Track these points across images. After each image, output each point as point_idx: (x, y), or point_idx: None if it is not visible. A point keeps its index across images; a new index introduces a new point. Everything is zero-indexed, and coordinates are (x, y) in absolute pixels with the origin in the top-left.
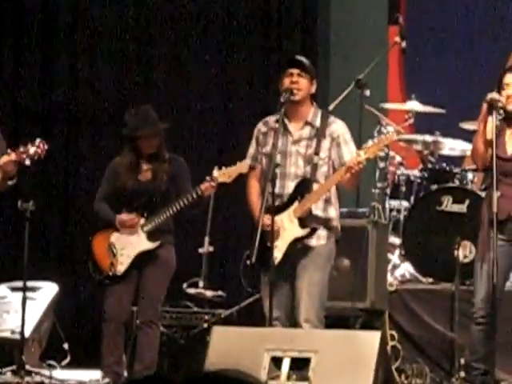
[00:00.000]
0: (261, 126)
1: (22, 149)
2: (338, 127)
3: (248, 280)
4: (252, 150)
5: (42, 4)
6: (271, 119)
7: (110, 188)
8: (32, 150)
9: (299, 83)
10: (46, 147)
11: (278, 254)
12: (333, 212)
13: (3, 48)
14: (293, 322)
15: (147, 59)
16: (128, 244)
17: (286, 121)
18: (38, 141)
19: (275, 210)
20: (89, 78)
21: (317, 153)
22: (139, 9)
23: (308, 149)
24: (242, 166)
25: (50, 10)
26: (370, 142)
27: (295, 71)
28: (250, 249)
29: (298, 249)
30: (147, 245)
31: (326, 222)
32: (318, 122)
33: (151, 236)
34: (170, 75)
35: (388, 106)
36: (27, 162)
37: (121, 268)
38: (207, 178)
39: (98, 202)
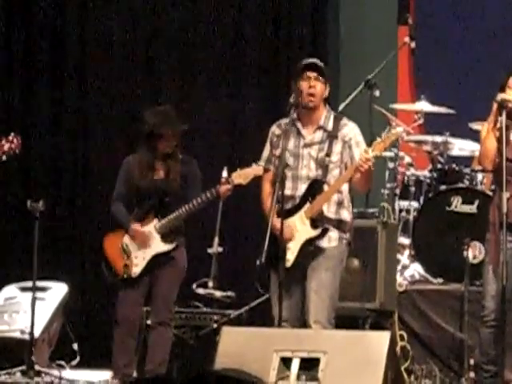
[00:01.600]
0: (274, 129)
1: None
2: (349, 130)
3: (259, 280)
4: (266, 152)
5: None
6: (284, 121)
7: (125, 187)
8: (7, 145)
9: (316, 87)
10: (20, 142)
11: (290, 256)
12: (345, 214)
13: (14, 45)
14: (302, 323)
15: (156, 69)
16: (142, 245)
17: (299, 124)
18: (11, 135)
19: (287, 213)
20: (99, 87)
21: (328, 156)
22: (148, 21)
23: (320, 152)
24: (257, 169)
25: (59, 24)
26: (377, 139)
27: (313, 75)
28: (260, 250)
29: (310, 251)
30: (163, 247)
31: (338, 224)
32: (330, 126)
33: (166, 237)
34: (178, 82)
35: (397, 106)
36: (3, 158)
37: (136, 270)
38: (222, 179)
39: (115, 202)
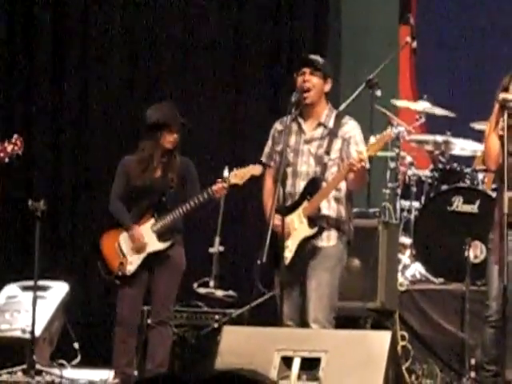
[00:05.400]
0: (277, 125)
1: None
2: (350, 128)
3: (260, 279)
4: (267, 148)
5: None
6: (287, 118)
7: (122, 186)
8: (10, 147)
9: (310, 81)
10: (22, 143)
11: (288, 254)
12: (344, 213)
13: (15, 46)
14: (304, 323)
15: (157, 70)
16: (138, 250)
17: (301, 120)
18: (14, 137)
19: (286, 210)
20: (100, 87)
21: (327, 153)
22: (150, 22)
23: (319, 149)
24: (254, 168)
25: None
26: (372, 140)
27: (307, 70)
28: (260, 248)
29: (309, 250)
30: (158, 245)
31: (336, 223)
32: (331, 123)
33: (162, 236)
34: (179, 83)
35: (398, 103)
36: (6, 160)
37: (130, 268)
38: (218, 179)
39: (114, 201)
